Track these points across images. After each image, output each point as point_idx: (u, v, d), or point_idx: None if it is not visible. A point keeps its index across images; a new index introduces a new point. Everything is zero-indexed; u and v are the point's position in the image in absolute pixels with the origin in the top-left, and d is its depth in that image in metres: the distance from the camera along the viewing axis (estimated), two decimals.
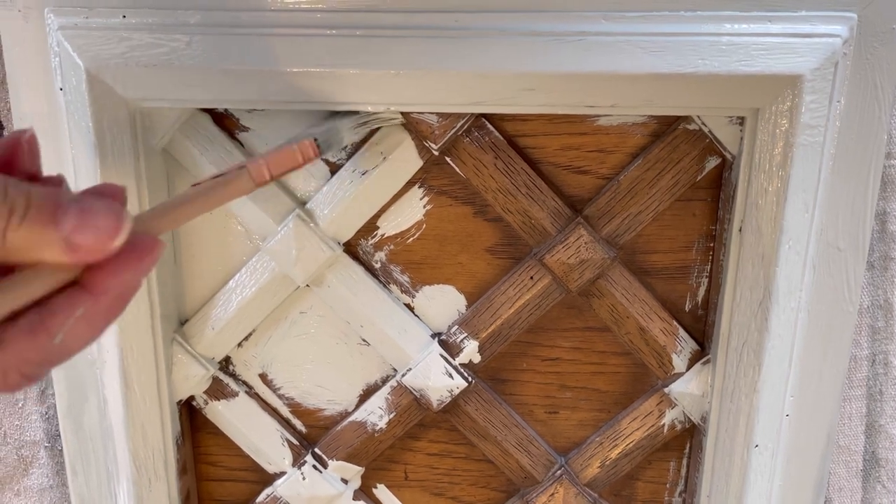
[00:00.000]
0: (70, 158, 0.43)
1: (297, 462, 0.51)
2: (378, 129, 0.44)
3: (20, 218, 0.24)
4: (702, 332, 0.48)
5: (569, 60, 0.40)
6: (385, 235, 0.47)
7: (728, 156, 0.43)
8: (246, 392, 0.50)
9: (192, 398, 0.50)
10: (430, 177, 0.46)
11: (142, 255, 0.27)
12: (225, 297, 0.48)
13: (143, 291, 0.46)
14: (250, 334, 0.49)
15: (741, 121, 0.42)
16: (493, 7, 0.40)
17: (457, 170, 0.45)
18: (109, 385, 0.47)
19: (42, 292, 0.26)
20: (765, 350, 0.44)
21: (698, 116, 0.43)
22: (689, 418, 0.49)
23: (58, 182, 0.29)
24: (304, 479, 0.51)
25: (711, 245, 0.46)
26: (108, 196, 0.28)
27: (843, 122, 0.41)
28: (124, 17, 0.41)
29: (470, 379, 0.48)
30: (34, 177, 0.29)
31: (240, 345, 0.50)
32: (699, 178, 0.44)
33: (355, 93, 0.41)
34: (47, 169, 0.44)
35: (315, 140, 0.38)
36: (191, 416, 0.51)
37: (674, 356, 0.47)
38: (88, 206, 0.25)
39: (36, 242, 0.24)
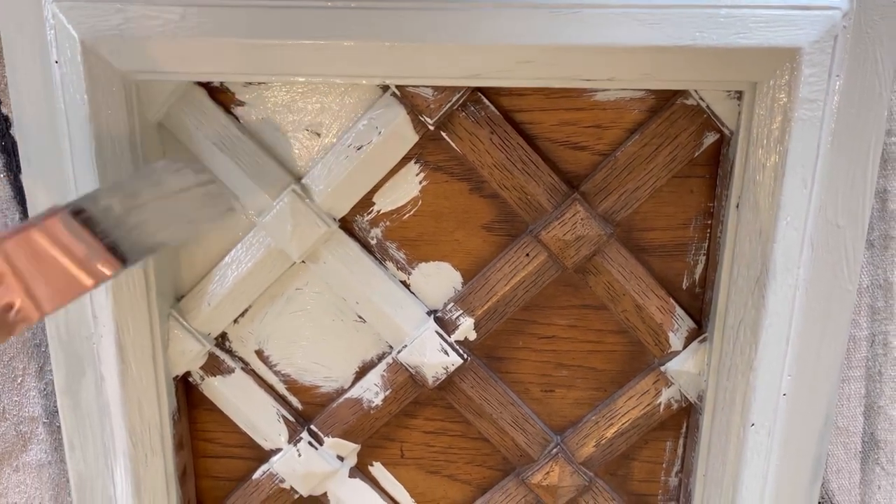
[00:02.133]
0: (66, 132, 0.43)
1: (293, 439, 0.51)
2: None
3: None
4: (699, 310, 0.48)
5: (565, 33, 0.39)
6: (381, 212, 0.47)
7: (726, 131, 0.43)
8: (242, 368, 0.50)
9: (188, 374, 0.50)
10: (425, 152, 0.45)
11: None
12: (221, 273, 0.48)
13: (138, 267, 0.46)
14: (246, 310, 0.49)
15: (739, 95, 0.42)
16: None
17: (453, 145, 0.45)
18: (106, 361, 0.47)
19: None
20: (762, 328, 0.43)
21: (696, 91, 0.42)
22: (685, 397, 0.48)
23: None
24: (299, 455, 0.51)
25: (709, 222, 0.46)
26: None
27: (843, 97, 0.40)
28: None
29: (465, 356, 0.48)
30: None
31: (236, 321, 0.50)
32: (697, 154, 0.44)
33: (349, 65, 0.41)
34: (43, 144, 0.44)
35: (115, 270, 0.31)
36: (187, 392, 0.51)
37: (670, 334, 0.47)
38: None
39: None
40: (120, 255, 0.32)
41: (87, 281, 0.31)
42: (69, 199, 0.44)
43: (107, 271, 0.32)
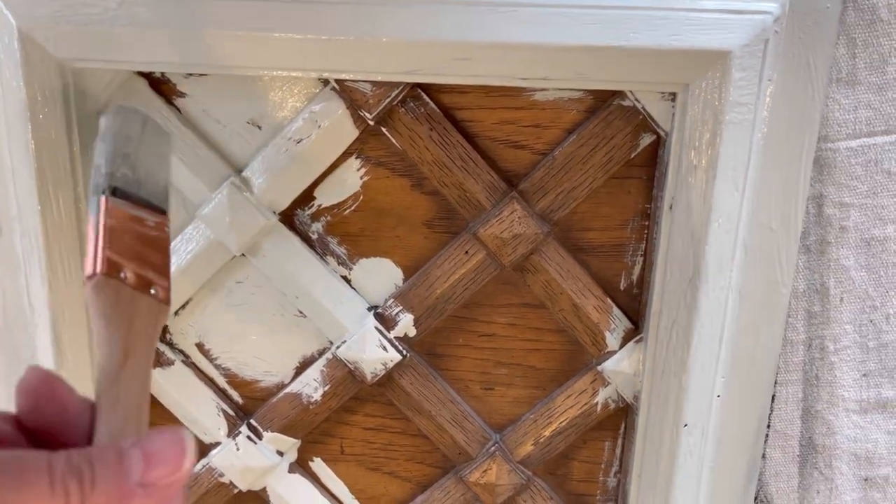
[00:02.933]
0: (2, 119, 0.43)
1: (232, 433, 0.51)
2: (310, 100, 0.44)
3: (91, 484, 0.24)
4: (636, 310, 0.48)
5: (501, 30, 0.40)
6: (322, 206, 0.47)
7: (661, 133, 0.43)
8: (182, 361, 0.50)
9: None
10: (366, 147, 0.46)
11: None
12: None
13: (76, 256, 0.46)
14: (187, 303, 0.49)
15: (673, 97, 0.42)
16: None
17: (393, 141, 0.45)
18: (42, 348, 0.47)
19: None
20: (694, 329, 0.44)
21: (631, 92, 0.43)
22: (622, 397, 0.49)
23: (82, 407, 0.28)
24: (238, 449, 0.51)
25: (646, 224, 0.46)
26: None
27: (774, 100, 0.41)
28: None
29: (405, 353, 0.48)
30: (68, 403, 0.28)
31: (176, 313, 0.49)
32: (633, 155, 0.44)
33: (287, 58, 0.41)
34: None
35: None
36: None
37: (607, 334, 0.47)
38: (149, 443, 0.25)
39: (115, 498, 0.24)
40: (159, 209, 0.34)
41: (165, 236, 0.33)
42: (10, 191, 0.44)
43: (166, 226, 0.34)
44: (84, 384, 0.47)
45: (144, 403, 0.28)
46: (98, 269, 0.30)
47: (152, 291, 0.31)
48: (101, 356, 0.29)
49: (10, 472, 0.22)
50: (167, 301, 0.32)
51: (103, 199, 0.32)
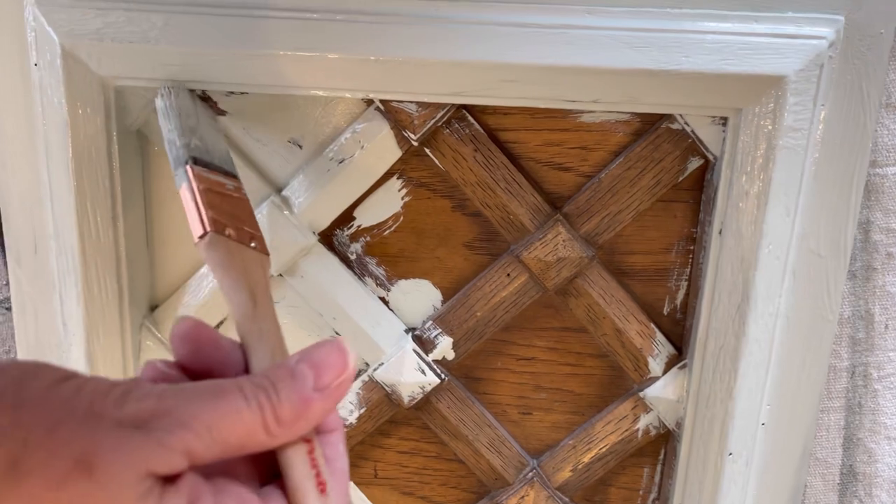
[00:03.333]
0: (42, 136, 0.43)
1: None
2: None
3: (276, 396, 0.26)
4: (679, 336, 0.47)
5: (550, 53, 0.39)
6: (361, 226, 0.46)
7: (710, 157, 0.43)
8: None
9: None
10: (408, 168, 0.45)
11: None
12: (196, 284, 0.47)
13: (112, 274, 0.45)
14: (221, 322, 0.48)
15: (724, 121, 0.42)
16: None
17: (436, 162, 0.44)
18: (74, 368, 0.46)
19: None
20: (741, 356, 0.43)
21: (681, 116, 0.42)
22: (663, 423, 0.48)
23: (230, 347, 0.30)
24: None
25: (692, 248, 0.45)
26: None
27: (827, 126, 0.40)
28: None
29: (443, 376, 0.47)
30: (219, 345, 0.30)
31: None
32: (681, 178, 0.44)
33: (333, 78, 0.41)
34: (17, 146, 0.43)
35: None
36: None
37: (650, 359, 0.47)
38: (312, 355, 0.28)
39: (295, 409, 0.26)
40: (231, 174, 0.38)
41: (245, 197, 0.37)
42: (47, 207, 0.44)
43: (243, 189, 0.37)
44: None
45: (282, 337, 0.31)
46: (208, 228, 0.32)
47: (252, 245, 0.34)
48: (233, 303, 0.31)
49: (212, 394, 0.25)
50: (267, 252, 0.34)
51: (188, 168, 0.35)
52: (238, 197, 0.37)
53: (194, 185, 0.34)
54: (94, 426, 0.23)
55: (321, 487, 0.27)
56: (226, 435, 0.25)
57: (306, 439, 0.28)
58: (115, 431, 0.23)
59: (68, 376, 0.24)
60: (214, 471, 0.26)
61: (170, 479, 0.24)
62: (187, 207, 0.34)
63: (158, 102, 0.39)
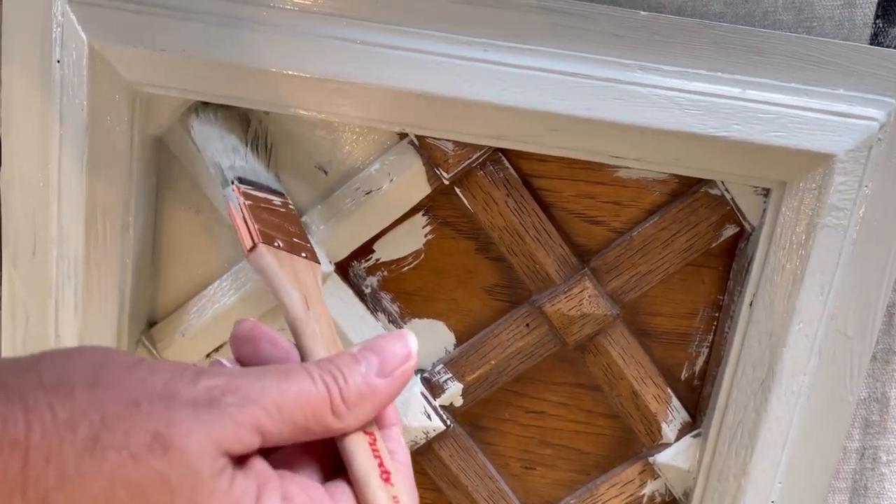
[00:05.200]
0: (57, 135, 0.41)
1: None
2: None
3: (343, 380, 0.27)
4: (694, 403, 0.46)
5: (598, 106, 0.38)
6: (380, 260, 0.45)
7: (747, 226, 0.42)
8: None
9: None
10: (435, 205, 0.44)
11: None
12: (201, 304, 0.45)
13: (115, 285, 0.43)
14: (222, 345, 0.46)
15: (766, 192, 0.41)
16: (524, 41, 0.38)
17: (465, 202, 0.43)
18: None
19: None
20: (760, 431, 0.42)
21: (722, 182, 0.41)
22: (670, 492, 0.47)
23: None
24: None
25: (717, 315, 0.44)
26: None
27: (869, 208, 0.39)
28: None
29: (449, 423, 0.46)
30: (277, 345, 0.31)
31: (208, 355, 0.46)
32: (714, 244, 0.43)
33: (372, 108, 0.39)
34: (29, 145, 0.41)
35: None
36: None
37: (664, 425, 0.45)
38: (375, 343, 0.29)
39: (360, 391, 0.27)
40: (277, 192, 0.39)
41: (293, 212, 0.39)
42: (53, 209, 0.41)
43: (290, 204, 0.39)
44: None
45: (336, 338, 0.31)
46: (257, 240, 0.34)
47: (302, 255, 0.35)
48: (286, 307, 0.32)
49: (281, 374, 0.26)
50: (318, 261, 0.36)
51: (234, 186, 0.37)
52: (285, 212, 0.38)
53: (240, 201, 0.36)
54: (170, 404, 0.24)
55: (385, 477, 0.27)
56: (294, 414, 0.25)
57: (367, 432, 0.28)
58: (190, 408, 0.24)
59: (141, 360, 0.25)
60: (279, 463, 0.27)
61: (240, 462, 0.25)
62: (236, 225, 0.35)
63: (195, 124, 0.39)
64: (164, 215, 0.44)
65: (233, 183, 0.37)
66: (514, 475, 0.48)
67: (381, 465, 0.28)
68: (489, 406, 0.47)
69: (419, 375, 0.46)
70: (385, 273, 0.45)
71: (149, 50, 0.38)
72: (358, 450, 0.28)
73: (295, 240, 0.36)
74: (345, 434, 0.27)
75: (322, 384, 0.26)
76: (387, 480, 0.27)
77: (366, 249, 0.44)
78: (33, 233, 0.43)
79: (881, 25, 0.40)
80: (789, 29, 0.39)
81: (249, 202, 0.36)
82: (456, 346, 0.46)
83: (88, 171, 0.41)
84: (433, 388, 0.45)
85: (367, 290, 0.45)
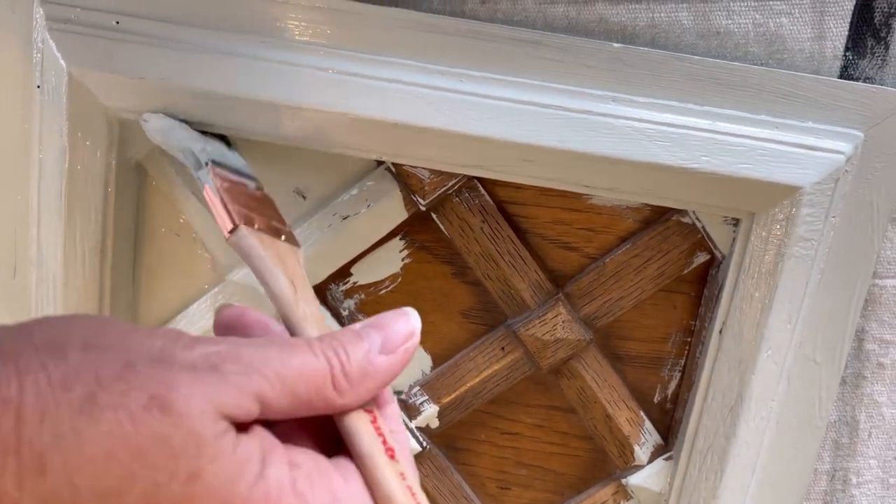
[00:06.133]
0: (36, 159, 0.41)
1: None
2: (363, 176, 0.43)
3: (346, 355, 0.26)
4: (667, 426, 0.47)
5: (572, 138, 0.39)
6: (357, 283, 0.45)
7: (718, 254, 0.43)
8: None
9: None
10: (412, 230, 0.44)
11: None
12: (181, 325, 0.45)
13: (92, 308, 0.43)
14: None
15: (736, 222, 0.41)
16: (499, 72, 0.38)
17: (441, 228, 0.43)
18: None
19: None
20: (730, 456, 0.43)
21: (693, 211, 0.42)
22: None
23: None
24: None
25: (688, 340, 0.45)
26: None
27: (836, 238, 0.40)
28: (117, 23, 0.38)
29: (425, 444, 0.46)
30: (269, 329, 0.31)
31: None
32: (685, 271, 0.43)
33: (349, 137, 0.40)
34: (9, 166, 0.41)
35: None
36: None
37: (636, 447, 0.46)
38: (378, 320, 0.28)
39: (362, 367, 0.27)
40: (249, 175, 0.38)
41: (267, 195, 0.37)
42: (33, 233, 0.42)
43: (263, 188, 0.37)
44: None
45: (324, 320, 0.31)
46: (237, 221, 0.32)
47: (282, 238, 0.33)
48: (273, 291, 0.31)
49: (283, 346, 0.26)
50: (298, 244, 0.34)
51: (209, 168, 0.35)
52: (260, 195, 0.37)
53: (217, 183, 0.34)
54: (168, 367, 0.23)
55: (390, 454, 0.27)
56: (296, 386, 0.25)
57: (368, 409, 0.28)
58: (190, 372, 0.23)
59: (138, 327, 0.25)
60: (279, 438, 0.26)
61: (241, 429, 0.24)
62: (213, 208, 0.34)
63: (158, 122, 0.38)
64: (144, 239, 0.45)
65: (207, 164, 0.35)
66: (490, 495, 0.48)
67: (384, 442, 0.27)
68: (465, 427, 0.47)
69: (396, 398, 0.46)
70: (363, 296, 0.45)
71: (127, 77, 0.39)
72: (361, 427, 0.27)
73: (274, 223, 0.34)
74: (346, 411, 0.27)
75: (324, 359, 0.26)
76: (392, 457, 0.27)
77: (343, 272, 0.45)
78: (14, 254, 0.43)
79: (851, 58, 0.41)
80: (760, 61, 0.40)
81: (226, 184, 0.34)
82: (433, 368, 0.46)
83: (67, 194, 0.41)
84: (409, 410, 0.46)
85: (345, 313, 0.46)
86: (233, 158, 0.38)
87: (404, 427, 0.30)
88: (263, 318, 0.30)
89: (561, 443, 0.47)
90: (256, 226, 0.33)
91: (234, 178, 0.36)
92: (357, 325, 0.28)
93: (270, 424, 0.26)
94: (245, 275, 0.43)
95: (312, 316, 0.30)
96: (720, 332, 0.42)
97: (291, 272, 0.32)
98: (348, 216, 0.43)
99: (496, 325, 0.45)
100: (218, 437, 0.23)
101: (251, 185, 0.37)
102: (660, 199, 0.41)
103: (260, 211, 0.34)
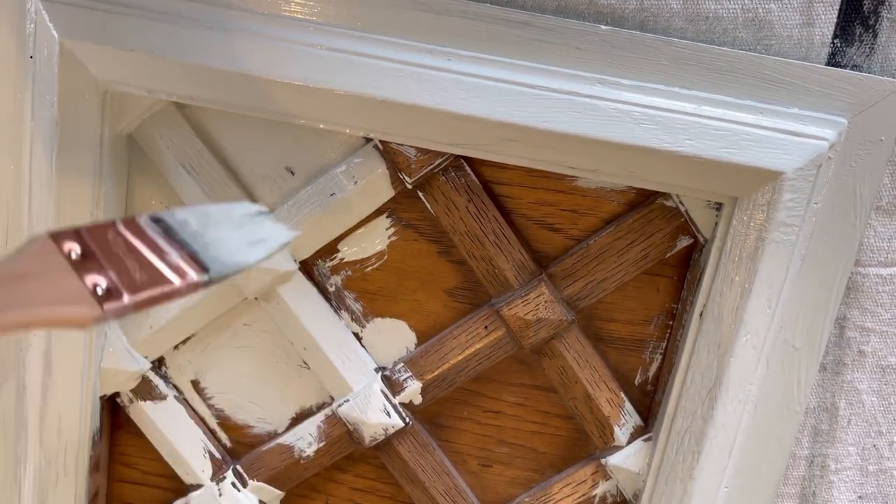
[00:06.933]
0: (28, 129, 0.41)
1: (217, 476, 0.49)
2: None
3: None
4: (647, 408, 0.47)
5: (555, 118, 0.39)
6: (344, 260, 0.46)
7: (700, 238, 0.43)
8: (175, 396, 0.48)
9: (116, 395, 0.48)
10: (399, 208, 0.44)
11: None
12: None
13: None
14: (189, 338, 0.47)
15: (719, 206, 0.42)
16: (487, 52, 0.39)
17: (428, 206, 0.44)
18: (31, 371, 0.45)
19: None
20: (707, 438, 0.43)
21: (676, 195, 0.42)
22: (621, 493, 0.48)
23: None
24: (220, 494, 0.49)
25: (670, 323, 0.45)
26: None
27: (818, 224, 0.40)
28: None
29: (408, 420, 0.47)
30: None
31: (176, 347, 0.48)
32: (668, 254, 0.44)
33: (336, 113, 0.40)
34: (2, 139, 0.42)
35: (205, 283, 0.30)
36: (112, 413, 0.49)
37: (616, 428, 0.47)
38: None
39: None
40: (202, 264, 0.30)
41: (175, 278, 0.29)
42: (24, 202, 0.42)
43: (192, 273, 0.29)
44: (72, 414, 0.45)
45: None
46: (106, 315, 0.26)
47: (96, 282, 0.27)
48: None
49: None
50: (101, 303, 0.27)
51: (134, 217, 0.30)
52: (158, 268, 0.29)
53: (117, 222, 0.29)
54: None
55: None
56: None
57: None
58: None
59: None
60: None
61: None
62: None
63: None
64: (134, 209, 0.45)
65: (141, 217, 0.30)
66: (472, 472, 0.49)
67: None
68: (448, 405, 0.48)
69: (380, 373, 0.47)
70: (349, 273, 0.46)
71: (118, 49, 0.39)
72: None
73: (119, 279, 0.28)
74: None
75: None
76: None
77: (330, 249, 0.45)
78: (6, 224, 0.44)
79: (839, 45, 0.41)
80: (748, 46, 0.40)
81: (126, 229, 0.29)
82: (417, 345, 0.47)
83: (58, 165, 0.42)
84: (393, 386, 0.47)
85: (332, 289, 0.46)
86: (215, 250, 0.31)
87: None
88: None
89: (542, 422, 0.48)
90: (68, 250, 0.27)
91: (159, 240, 0.30)
92: None
93: None
94: None
95: None
96: (700, 315, 0.42)
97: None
98: (335, 193, 0.43)
99: (480, 304, 0.46)
100: None
101: (176, 258, 0.30)
102: (644, 182, 0.41)
103: (123, 267, 0.28)
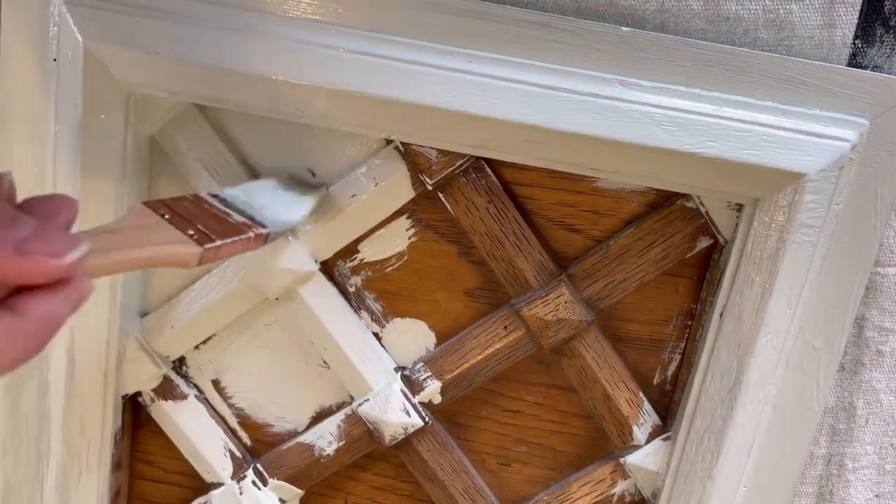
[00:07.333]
0: (52, 132, 0.42)
1: (237, 475, 0.49)
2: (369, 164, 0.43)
3: None
4: (666, 407, 0.47)
5: (577, 120, 0.39)
6: (364, 260, 0.46)
7: (721, 239, 0.43)
8: (196, 396, 0.49)
9: (138, 394, 0.48)
10: (419, 209, 0.45)
11: (73, 292, 0.27)
12: (189, 297, 0.46)
13: (105, 279, 0.44)
14: (210, 338, 0.48)
15: (739, 207, 0.42)
16: (509, 53, 0.39)
17: (448, 207, 0.44)
18: (54, 369, 0.45)
19: None
20: (727, 437, 0.43)
21: (697, 196, 0.42)
22: (640, 492, 0.48)
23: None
24: (240, 493, 0.49)
25: (689, 323, 0.46)
26: (58, 209, 0.29)
27: (839, 225, 0.41)
28: None
29: (427, 419, 0.47)
30: None
31: (197, 347, 0.48)
32: (688, 255, 0.44)
33: (358, 115, 0.40)
34: (26, 140, 0.42)
35: (266, 235, 0.36)
36: (134, 412, 0.50)
37: (635, 427, 0.47)
38: (43, 226, 0.27)
39: None
40: (260, 223, 0.37)
41: (247, 231, 0.35)
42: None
43: (257, 227, 0.36)
44: (95, 412, 0.46)
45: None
46: (202, 261, 0.32)
47: (190, 232, 0.32)
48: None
49: None
50: (201, 244, 0.32)
51: (261, 235, 0.36)
52: (232, 223, 0.35)
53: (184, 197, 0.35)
54: None
55: None
56: None
57: None
58: None
59: None
60: None
61: None
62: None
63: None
64: None
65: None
66: (490, 471, 0.49)
67: None
68: (467, 404, 0.48)
69: (400, 373, 0.47)
70: (369, 273, 0.46)
71: (141, 52, 0.39)
72: None
73: (201, 230, 0.33)
74: None
75: None
76: None
77: (351, 250, 0.46)
78: None
79: (860, 46, 0.41)
80: (769, 47, 0.40)
81: (188, 202, 0.35)
82: (436, 345, 0.47)
83: (82, 167, 0.42)
84: (413, 386, 0.47)
85: (352, 289, 0.47)
86: (268, 211, 0.39)
87: None
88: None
89: (561, 421, 0.48)
90: (162, 212, 0.33)
91: (222, 207, 0.37)
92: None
93: None
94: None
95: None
96: (720, 315, 0.42)
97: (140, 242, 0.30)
98: (356, 194, 0.43)
99: (500, 304, 0.46)
100: None
101: (239, 219, 0.36)
102: (665, 183, 0.41)
103: (204, 221, 0.34)
